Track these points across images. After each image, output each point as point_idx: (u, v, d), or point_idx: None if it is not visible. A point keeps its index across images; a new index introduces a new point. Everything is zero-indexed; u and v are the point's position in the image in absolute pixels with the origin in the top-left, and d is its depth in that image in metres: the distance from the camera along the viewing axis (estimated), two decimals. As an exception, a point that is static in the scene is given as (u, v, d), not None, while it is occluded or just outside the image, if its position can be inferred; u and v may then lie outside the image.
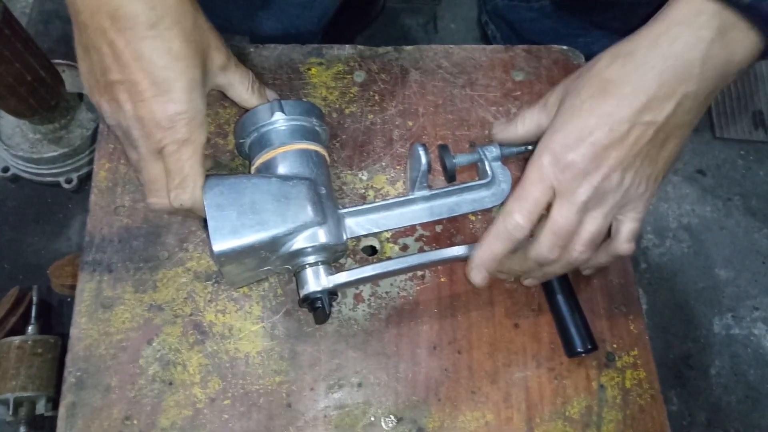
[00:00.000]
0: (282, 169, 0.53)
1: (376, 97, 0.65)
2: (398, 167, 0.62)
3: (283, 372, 0.54)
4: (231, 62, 0.53)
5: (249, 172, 0.56)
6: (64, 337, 0.54)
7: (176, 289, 0.56)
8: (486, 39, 1.21)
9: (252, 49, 0.67)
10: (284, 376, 0.54)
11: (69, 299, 1.13)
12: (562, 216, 0.48)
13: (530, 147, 0.57)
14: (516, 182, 0.51)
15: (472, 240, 0.59)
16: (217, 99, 0.63)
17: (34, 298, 1.10)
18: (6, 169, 1.21)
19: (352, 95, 0.65)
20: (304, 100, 0.64)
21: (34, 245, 1.23)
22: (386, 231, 0.59)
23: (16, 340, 1.03)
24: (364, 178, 0.62)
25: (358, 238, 0.59)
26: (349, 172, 0.62)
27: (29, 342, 1.02)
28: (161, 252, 0.58)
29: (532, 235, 0.50)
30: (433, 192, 0.56)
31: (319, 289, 0.51)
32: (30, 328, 1.06)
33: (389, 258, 0.58)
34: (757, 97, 1.46)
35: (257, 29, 0.88)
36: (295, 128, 0.55)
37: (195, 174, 0.49)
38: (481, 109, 0.65)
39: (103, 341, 0.54)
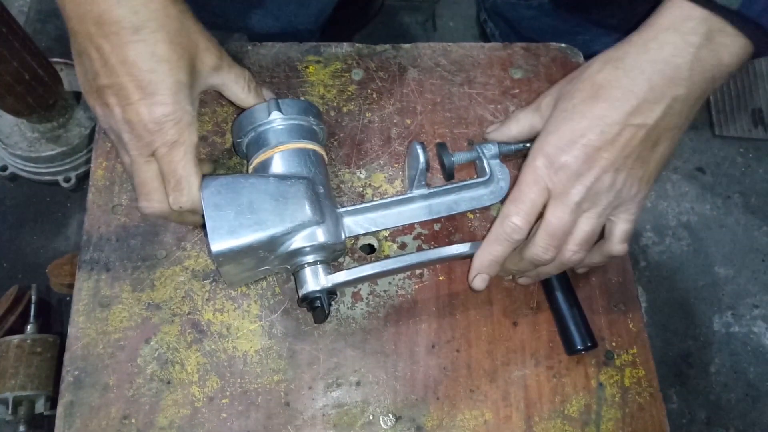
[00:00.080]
0: (280, 168, 0.53)
1: (374, 95, 0.65)
2: (396, 165, 0.62)
3: (281, 371, 0.54)
4: (224, 62, 0.53)
5: (247, 172, 0.56)
6: (63, 335, 0.54)
7: (174, 288, 0.56)
8: (485, 37, 1.21)
9: (249, 47, 0.67)
10: (282, 375, 0.54)
11: (68, 298, 1.12)
12: (556, 217, 0.49)
13: (528, 144, 0.57)
14: (514, 180, 0.52)
15: (471, 238, 0.59)
16: (214, 98, 0.63)
17: (33, 297, 1.10)
18: (4, 168, 1.20)
19: (349, 93, 0.65)
20: (302, 98, 0.64)
21: (32, 244, 1.23)
22: (385, 230, 0.59)
23: (15, 339, 1.03)
24: (363, 176, 0.62)
25: (356, 237, 0.59)
26: (347, 170, 0.62)
27: (28, 341, 1.02)
28: (159, 251, 0.58)
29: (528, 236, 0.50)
30: (432, 190, 0.56)
31: (318, 288, 0.51)
32: (29, 327, 1.06)
33: (387, 256, 0.58)
34: (757, 95, 1.46)
35: (254, 27, 0.88)
36: (293, 127, 0.55)
37: (190, 175, 0.49)
38: (480, 107, 0.65)
39: (101, 340, 0.54)
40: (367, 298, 0.57)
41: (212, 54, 0.51)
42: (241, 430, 0.52)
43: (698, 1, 0.45)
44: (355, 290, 0.57)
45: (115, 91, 0.47)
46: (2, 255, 1.22)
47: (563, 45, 0.69)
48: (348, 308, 0.57)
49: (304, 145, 0.54)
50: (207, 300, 0.56)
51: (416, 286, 0.58)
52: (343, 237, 0.53)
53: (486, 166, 0.57)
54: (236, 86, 0.54)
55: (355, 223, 0.55)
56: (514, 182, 0.52)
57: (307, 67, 0.66)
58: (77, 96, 1.19)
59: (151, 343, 0.54)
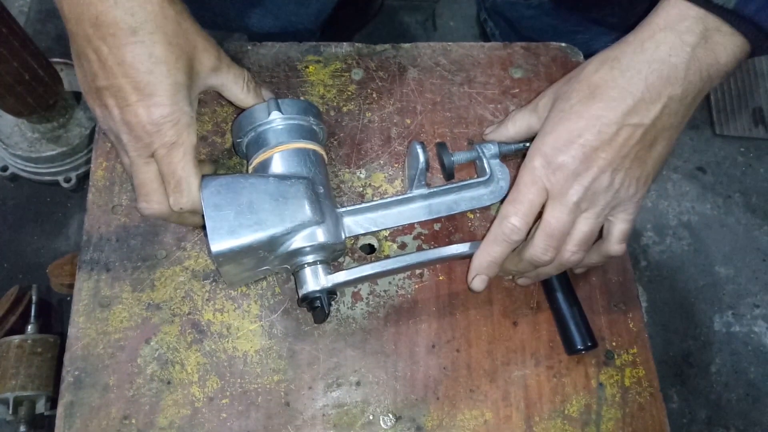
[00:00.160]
0: (279, 168, 0.53)
1: (374, 95, 0.65)
2: (396, 165, 0.62)
3: (281, 371, 0.54)
4: (223, 63, 0.53)
5: (247, 172, 0.56)
6: (64, 336, 0.54)
7: (174, 288, 0.56)
8: (485, 36, 1.21)
9: (249, 47, 0.67)
10: (282, 375, 0.54)
11: (68, 298, 1.12)
12: (554, 217, 0.49)
13: (528, 144, 0.57)
14: (514, 180, 0.51)
15: (471, 238, 0.59)
16: (214, 98, 0.63)
17: (34, 297, 1.11)
18: (5, 168, 1.21)
19: (349, 93, 0.65)
20: (302, 98, 0.64)
21: (33, 244, 1.23)
22: (384, 229, 0.59)
23: (16, 339, 1.03)
24: (362, 176, 0.62)
25: (356, 237, 0.59)
26: (347, 170, 0.62)
27: (29, 341, 1.02)
28: (159, 251, 0.58)
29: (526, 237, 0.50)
30: (432, 190, 0.56)
31: (318, 288, 0.51)
32: (29, 327, 1.06)
33: (387, 256, 0.58)
34: (757, 94, 1.45)
35: (254, 26, 0.88)
36: (292, 127, 0.55)
37: (189, 176, 0.49)
38: (480, 107, 0.65)
39: (101, 340, 0.54)
40: (367, 298, 0.57)
41: (211, 55, 0.51)
42: (241, 430, 0.52)
43: (694, 0, 0.45)
44: (355, 290, 0.57)
45: (114, 93, 0.47)
46: (3, 255, 1.22)
47: (563, 44, 0.69)
48: (348, 308, 0.57)
49: (303, 145, 0.54)
50: (207, 300, 0.56)
51: (416, 286, 0.58)
52: (343, 237, 0.53)
53: (486, 165, 0.57)
54: (235, 87, 0.54)
55: (355, 223, 0.55)
56: (513, 182, 0.52)
57: (306, 67, 0.66)
58: (77, 96, 1.19)
59: (151, 343, 0.54)
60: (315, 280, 0.51)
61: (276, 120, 0.54)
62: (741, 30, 0.46)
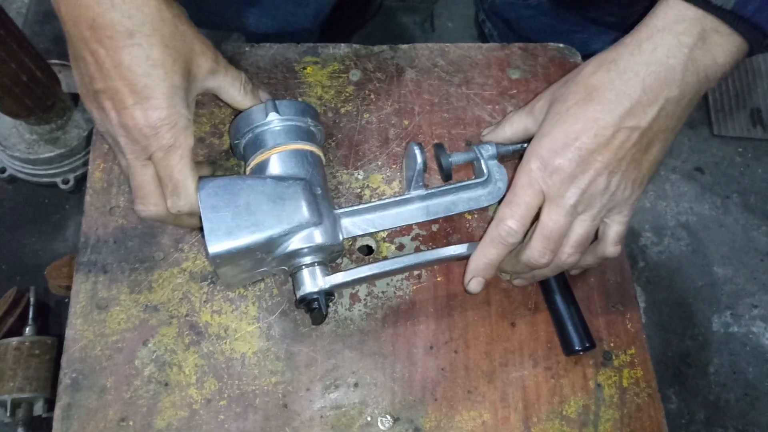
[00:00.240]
0: (277, 169, 0.53)
1: (372, 96, 0.65)
2: (394, 166, 0.62)
3: (279, 372, 0.54)
4: (220, 65, 0.53)
5: (244, 173, 0.56)
6: (62, 337, 0.54)
7: (172, 289, 0.56)
8: (483, 37, 1.21)
9: (247, 49, 0.67)
10: (280, 377, 0.54)
11: (66, 300, 1.12)
12: (552, 219, 0.49)
13: (525, 145, 0.57)
14: (512, 182, 0.51)
15: (469, 239, 0.59)
16: (212, 99, 0.63)
17: (32, 299, 1.10)
18: (3, 170, 1.20)
19: (347, 94, 0.65)
20: (300, 99, 0.64)
21: (31, 246, 1.23)
22: (382, 231, 0.59)
23: (14, 341, 1.02)
24: (360, 177, 0.62)
25: (354, 238, 0.59)
26: (345, 171, 0.62)
27: (27, 343, 1.02)
28: (156, 252, 0.58)
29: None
30: (429, 191, 0.56)
31: (315, 290, 0.51)
32: (27, 329, 1.06)
33: (385, 257, 0.58)
34: (755, 94, 1.46)
35: (251, 26, 0.88)
36: (290, 128, 0.55)
37: (186, 179, 0.49)
38: (477, 108, 0.65)
39: (99, 342, 0.54)
40: (365, 300, 0.57)
41: (208, 57, 0.51)
42: (239, 432, 0.52)
43: (693, 1, 0.45)
44: (353, 291, 0.57)
45: (111, 96, 0.47)
46: (1, 257, 1.22)
47: (561, 45, 0.69)
48: (346, 309, 0.56)
49: (301, 147, 0.54)
50: (205, 302, 0.56)
51: (414, 287, 0.58)
52: (341, 238, 0.53)
53: (484, 166, 0.57)
54: (232, 89, 0.54)
55: (353, 224, 0.55)
56: (511, 183, 0.52)
57: (304, 68, 0.66)
58: (75, 98, 1.19)
59: (149, 345, 0.54)
60: (313, 281, 0.51)
61: (273, 121, 0.54)
62: (739, 30, 0.45)
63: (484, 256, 0.51)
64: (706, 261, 1.30)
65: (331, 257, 0.54)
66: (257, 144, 0.54)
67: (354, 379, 0.54)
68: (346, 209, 0.55)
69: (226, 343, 0.55)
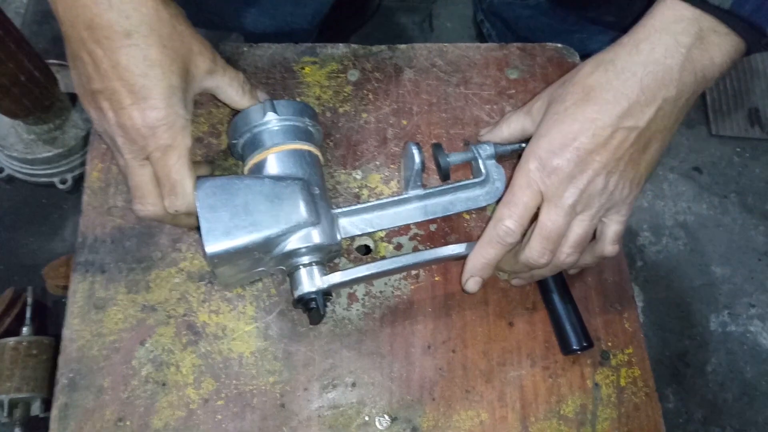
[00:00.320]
0: (275, 169, 0.53)
1: (370, 96, 0.65)
2: (392, 166, 0.62)
3: (276, 372, 0.54)
4: (218, 66, 0.53)
5: (242, 173, 0.56)
6: (59, 338, 0.54)
7: (169, 289, 0.56)
8: (482, 37, 1.21)
9: (245, 49, 0.67)
10: (278, 377, 0.54)
11: (64, 300, 1.12)
12: (550, 220, 0.49)
13: (524, 144, 0.57)
14: (510, 182, 0.52)
15: (467, 239, 0.59)
16: (210, 99, 0.63)
17: (29, 299, 1.10)
18: (0, 170, 1.20)
19: (345, 94, 0.65)
20: (298, 99, 0.64)
21: (28, 246, 1.23)
22: (380, 230, 0.59)
23: (11, 341, 1.02)
24: (358, 177, 0.62)
25: (352, 238, 0.59)
26: (343, 171, 0.62)
27: (24, 343, 1.02)
28: (154, 252, 0.57)
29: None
30: (428, 191, 0.56)
31: (313, 289, 0.51)
32: (25, 329, 1.06)
33: (383, 257, 0.58)
34: (753, 94, 1.46)
35: (250, 26, 0.88)
36: (288, 128, 0.54)
37: (184, 179, 0.49)
38: (476, 108, 0.65)
39: (96, 342, 0.54)
40: (362, 299, 0.57)
41: (206, 57, 0.51)
42: (237, 432, 0.52)
43: (690, 1, 0.45)
44: (351, 291, 0.57)
45: (108, 96, 0.47)
46: (-2, 257, 1.22)
47: (559, 45, 0.69)
48: (344, 309, 0.57)
49: (299, 146, 0.54)
50: (202, 302, 0.56)
51: (412, 287, 0.58)
52: (339, 238, 0.53)
53: (482, 166, 0.57)
54: (230, 89, 0.54)
55: (351, 224, 0.55)
56: (509, 183, 0.52)
57: (303, 68, 0.66)
58: (73, 98, 1.18)
59: (146, 344, 0.54)
60: (310, 281, 0.51)
61: (271, 121, 0.54)
62: (737, 30, 0.46)
63: (482, 256, 0.51)
64: (703, 261, 1.30)
65: (329, 257, 0.54)
66: (255, 144, 0.54)
67: (352, 378, 0.54)
68: (344, 209, 0.55)
69: (223, 342, 0.55)
